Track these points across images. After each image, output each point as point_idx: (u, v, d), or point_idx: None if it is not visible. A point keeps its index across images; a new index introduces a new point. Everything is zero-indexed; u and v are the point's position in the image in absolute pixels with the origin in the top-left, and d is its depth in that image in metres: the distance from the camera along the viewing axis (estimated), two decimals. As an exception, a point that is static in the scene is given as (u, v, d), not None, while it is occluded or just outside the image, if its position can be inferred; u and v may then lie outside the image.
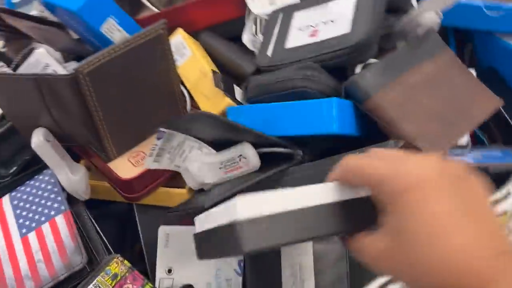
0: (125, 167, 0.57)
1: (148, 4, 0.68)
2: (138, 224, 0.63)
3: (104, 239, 0.58)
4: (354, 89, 0.51)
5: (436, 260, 0.29)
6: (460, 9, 0.60)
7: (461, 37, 0.67)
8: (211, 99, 0.60)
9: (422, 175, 0.31)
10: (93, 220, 0.59)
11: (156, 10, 0.69)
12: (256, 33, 0.62)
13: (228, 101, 0.58)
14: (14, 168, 0.65)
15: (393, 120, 0.50)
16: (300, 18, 0.62)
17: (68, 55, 0.69)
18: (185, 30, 0.66)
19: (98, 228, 0.58)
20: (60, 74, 0.50)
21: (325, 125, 0.49)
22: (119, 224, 0.70)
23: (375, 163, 0.32)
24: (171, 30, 0.64)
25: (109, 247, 0.58)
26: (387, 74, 0.52)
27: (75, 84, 0.50)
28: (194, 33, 0.67)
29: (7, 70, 0.66)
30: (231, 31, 0.67)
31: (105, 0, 0.56)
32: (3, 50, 0.79)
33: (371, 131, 0.54)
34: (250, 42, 0.61)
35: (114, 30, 0.57)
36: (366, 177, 0.32)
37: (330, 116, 0.49)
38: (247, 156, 0.52)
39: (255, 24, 0.61)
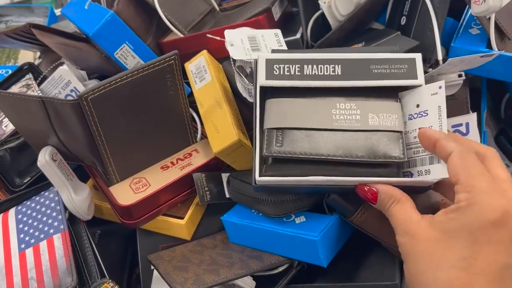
0: (125, 193, 0.57)
1: (172, 28, 0.68)
2: (138, 248, 0.62)
3: (100, 261, 0.58)
4: (337, 206, 0.49)
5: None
6: (496, 61, 0.54)
7: (496, 87, 0.62)
8: (220, 133, 0.58)
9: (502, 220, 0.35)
10: (91, 242, 0.58)
11: (180, 34, 0.69)
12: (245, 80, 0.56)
13: (236, 139, 0.55)
14: (28, 178, 0.66)
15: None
16: None
17: (92, 73, 0.70)
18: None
19: (95, 250, 0.58)
20: (65, 99, 0.50)
21: (314, 259, 0.49)
22: (124, 243, 0.69)
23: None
24: (194, 54, 0.64)
25: (104, 269, 0.58)
26: None
27: (79, 109, 0.50)
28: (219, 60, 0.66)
29: (32, 83, 0.68)
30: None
31: (120, 26, 0.55)
32: (38, 61, 0.82)
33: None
34: (246, 91, 0.56)
35: (128, 56, 0.57)
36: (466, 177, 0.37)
37: (316, 253, 0.48)
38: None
39: (240, 71, 0.56)
